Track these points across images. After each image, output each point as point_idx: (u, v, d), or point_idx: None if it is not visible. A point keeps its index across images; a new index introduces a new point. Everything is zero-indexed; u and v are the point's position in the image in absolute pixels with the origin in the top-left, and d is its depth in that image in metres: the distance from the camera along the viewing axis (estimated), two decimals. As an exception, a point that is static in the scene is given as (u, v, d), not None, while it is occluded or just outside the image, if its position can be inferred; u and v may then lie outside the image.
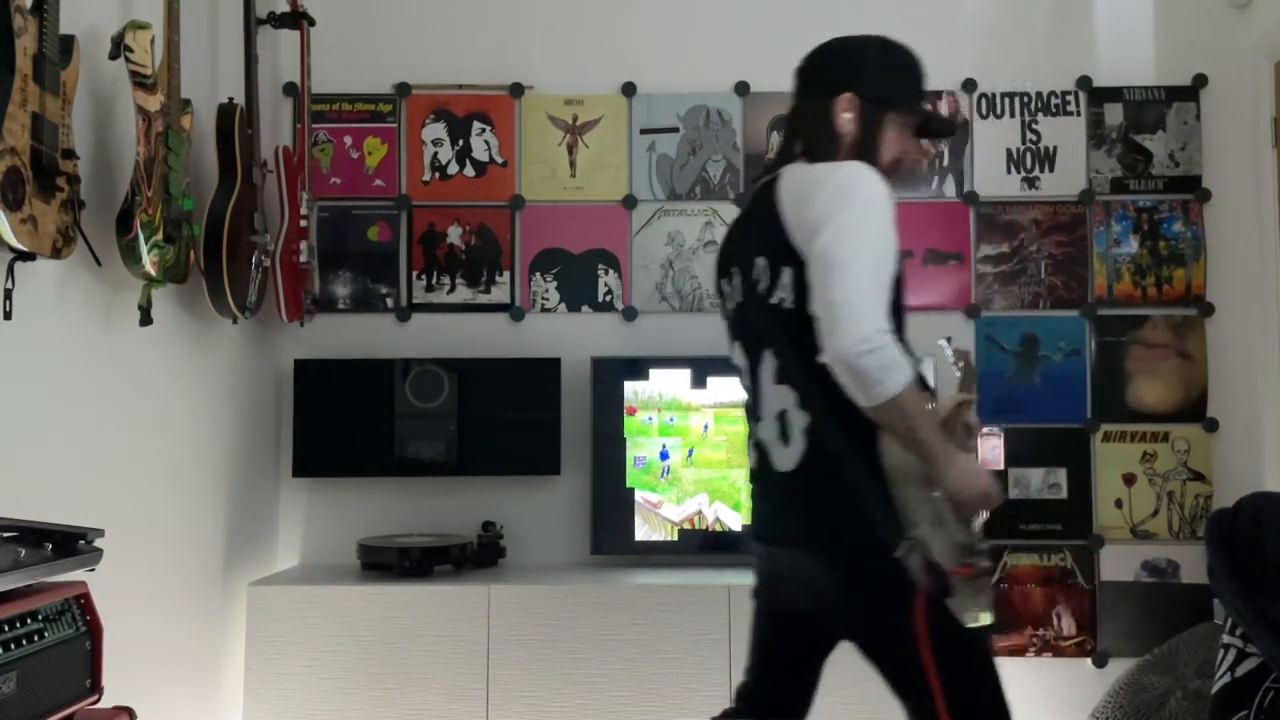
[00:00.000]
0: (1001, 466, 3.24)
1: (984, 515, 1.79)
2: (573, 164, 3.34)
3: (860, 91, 1.83)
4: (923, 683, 1.70)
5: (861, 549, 1.71)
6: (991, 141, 3.34)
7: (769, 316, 1.78)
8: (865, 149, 1.81)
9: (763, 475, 1.88)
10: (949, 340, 2.05)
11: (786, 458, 1.79)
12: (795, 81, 1.93)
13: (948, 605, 1.67)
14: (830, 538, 1.76)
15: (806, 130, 1.86)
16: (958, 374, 2.03)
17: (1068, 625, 3.21)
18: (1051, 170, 3.33)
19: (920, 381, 1.75)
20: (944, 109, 3.33)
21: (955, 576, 1.67)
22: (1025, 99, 3.34)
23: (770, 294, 1.78)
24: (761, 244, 1.81)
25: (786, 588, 1.89)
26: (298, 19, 3.04)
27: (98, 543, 1.70)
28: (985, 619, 1.71)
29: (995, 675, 1.75)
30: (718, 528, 3.10)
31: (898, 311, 1.75)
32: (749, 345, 1.88)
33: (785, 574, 1.88)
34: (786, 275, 1.74)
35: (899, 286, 1.76)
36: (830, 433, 1.74)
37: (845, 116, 1.83)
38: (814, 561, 1.79)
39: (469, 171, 3.35)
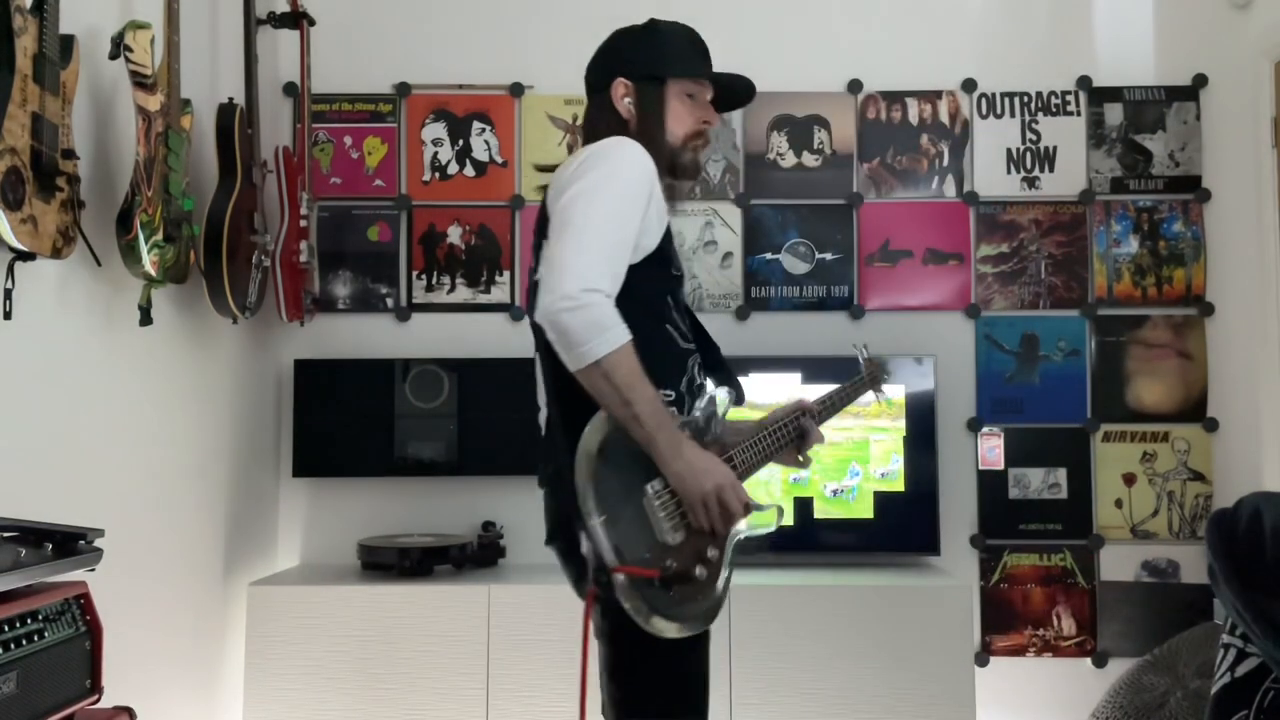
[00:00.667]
0: (1002, 466, 3.25)
1: (754, 528, 1.67)
2: (573, 164, 3.33)
3: (630, 74, 1.80)
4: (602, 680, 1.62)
5: (572, 546, 1.63)
6: (991, 141, 3.34)
7: (533, 296, 1.68)
8: (651, 126, 1.77)
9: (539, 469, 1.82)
10: (865, 346, 2.10)
11: (543, 448, 1.75)
12: (585, 88, 1.90)
13: (620, 605, 1.52)
14: (559, 535, 1.71)
15: (593, 125, 1.83)
16: (862, 368, 2.05)
17: (1068, 625, 3.21)
18: (1051, 170, 3.33)
19: (692, 378, 1.70)
20: (944, 109, 3.34)
21: (619, 575, 1.51)
22: (1025, 99, 3.34)
23: (536, 270, 1.70)
24: (537, 226, 1.76)
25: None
26: (298, 19, 3.04)
27: (98, 543, 1.70)
28: (661, 626, 1.53)
29: (671, 694, 1.62)
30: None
31: (663, 283, 1.71)
32: (534, 336, 1.76)
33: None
34: (544, 250, 1.67)
35: (662, 259, 1.71)
36: (554, 418, 1.69)
37: (625, 101, 1.80)
38: (559, 559, 1.75)
39: (469, 171, 3.35)
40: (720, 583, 1.65)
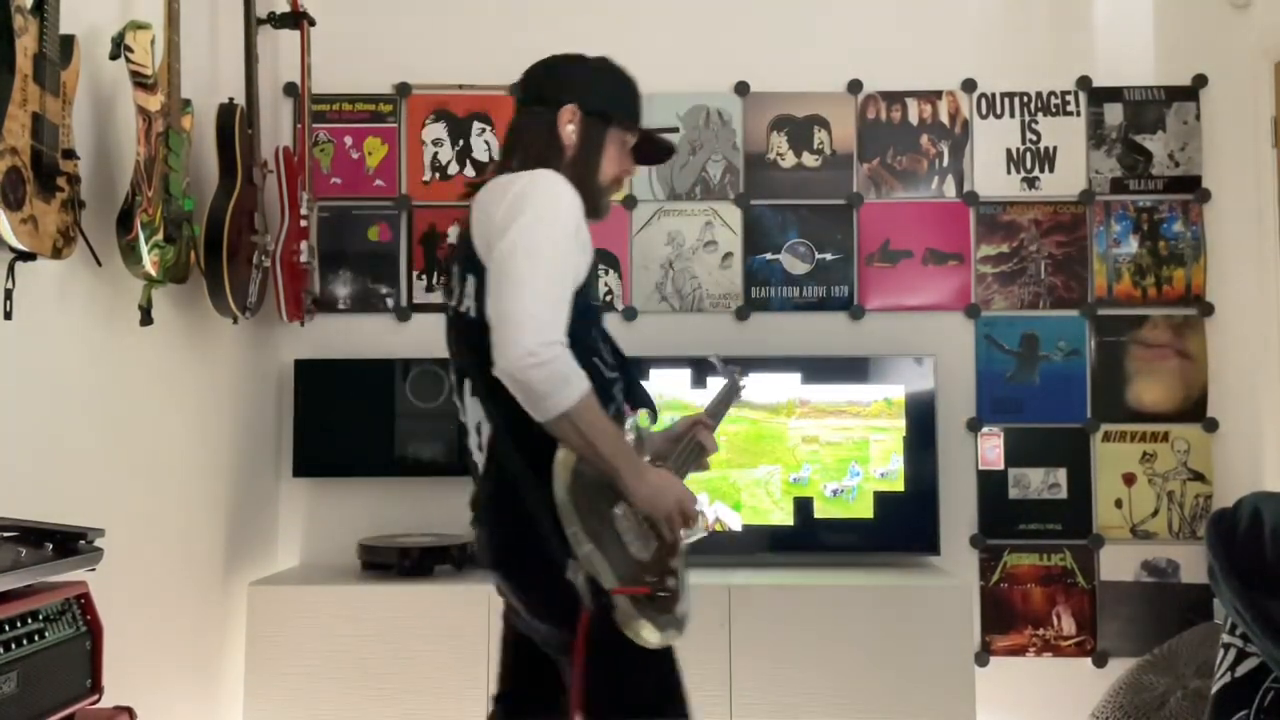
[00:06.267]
0: (1002, 466, 3.25)
1: (693, 533, 1.79)
2: (573, 164, 3.33)
3: (582, 104, 1.82)
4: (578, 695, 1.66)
5: (538, 569, 1.67)
6: (991, 141, 3.34)
7: (458, 325, 1.77)
8: (586, 162, 1.81)
9: (475, 491, 1.84)
10: (718, 358, 2.18)
11: (481, 472, 1.78)
12: (517, 93, 1.91)
13: (616, 625, 1.62)
14: (513, 559, 1.74)
15: (526, 140, 1.83)
16: (720, 388, 2.12)
17: (1068, 625, 3.21)
18: (1051, 170, 3.33)
19: (625, 399, 1.79)
20: (944, 109, 3.34)
21: (619, 596, 1.61)
22: (1025, 99, 3.34)
23: (460, 302, 1.75)
24: (458, 253, 1.80)
25: (506, 605, 1.89)
26: (298, 19, 3.04)
27: (98, 543, 1.70)
28: (653, 637, 1.63)
29: (657, 700, 1.68)
30: (718, 528, 3.10)
31: (587, 316, 1.71)
32: (452, 357, 1.84)
33: (500, 592, 1.86)
34: (470, 283, 1.71)
35: (584, 293, 1.70)
36: (506, 448, 1.72)
37: (569, 129, 1.82)
38: (504, 582, 1.79)
39: (469, 171, 3.35)
40: (684, 589, 1.76)
